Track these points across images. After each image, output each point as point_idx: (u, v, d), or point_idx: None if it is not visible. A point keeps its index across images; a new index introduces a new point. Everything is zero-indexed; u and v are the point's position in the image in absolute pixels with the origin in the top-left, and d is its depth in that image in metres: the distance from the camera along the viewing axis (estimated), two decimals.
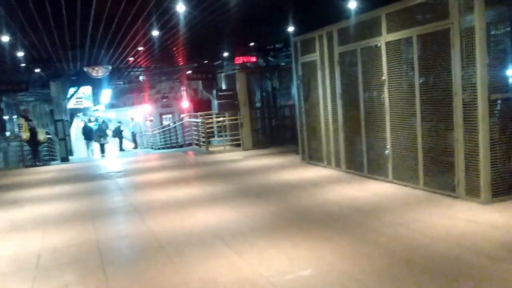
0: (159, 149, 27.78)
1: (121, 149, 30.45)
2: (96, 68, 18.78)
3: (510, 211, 6.25)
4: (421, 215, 6.50)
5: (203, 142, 17.32)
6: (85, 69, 18.79)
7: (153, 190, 10.48)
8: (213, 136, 19.07)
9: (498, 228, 5.68)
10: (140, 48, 16.46)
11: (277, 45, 17.20)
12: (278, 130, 17.27)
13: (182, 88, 33.84)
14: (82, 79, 23.52)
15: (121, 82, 28.74)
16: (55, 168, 16.27)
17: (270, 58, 18.07)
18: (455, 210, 6.52)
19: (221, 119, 17.30)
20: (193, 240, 6.23)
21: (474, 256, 4.89)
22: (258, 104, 17.24)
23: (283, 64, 17.93)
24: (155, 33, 13.76)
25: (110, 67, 19.41)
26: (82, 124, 32.63)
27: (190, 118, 21.28)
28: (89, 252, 6.08)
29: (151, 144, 31.77)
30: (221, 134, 18.27)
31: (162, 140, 29.26)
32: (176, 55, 18.57)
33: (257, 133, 16.96)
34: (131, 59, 18.63)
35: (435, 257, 4.98)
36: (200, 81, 24.64)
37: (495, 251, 4.96)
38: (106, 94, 32.62)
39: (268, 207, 7.77)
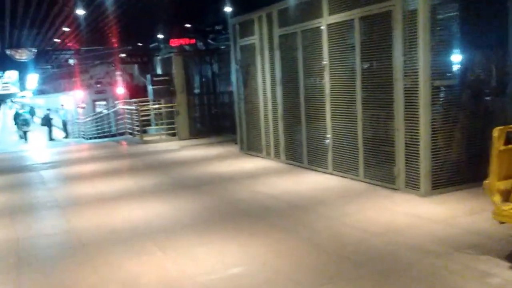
0: (90, 138, 26.84)
1: (51, 139, 29.33)
2: (19, 51, 17.74)
3: (448, 204, 6.28)
4: (358, 208, 6.44)
5: (138, 131, 16.76)
6: (7, 52, 17.70)
7: (80, 183, 10.04)
8: (150, 125, 18.51)
9: (435, 222, 5.67)
10: (67, 29, 15.64)
11: (217, 27, 16.80)
12: (217, 118, 16.96)
13: (117, 73, 32.79)
14: (6, 63, 22.32)
15: (49, 66, 27.51)
16: None
17: (210, 41, 17.67)
18: (393, 203, 6.50)
19: (156, 106, 16.77)
20: (118, 237, 6.00)
21: (409, 251, 4.86)
22: (196, 90, 16.85)
23: (223, 47, 17.58)
24: (82, 11, 13.07)
25: (35, 50, 18.40)
26: (11, 112, 31.75)
27: (124, 105, 20.55)
28: (5, 251, 5.80)
29: (82, 133, 30.66)
30: (158, 122, 17.75)
31: (95, 129, 28.27)
32: (107, 35, 17.83)
33: (195, 121, 16.59)
34: (58, 40, 17.71)
35: (369, 252, 4.94)
36: (136, 66, 23.91)
37: (430, 246, 4.95)
38: (33, 79, 31.15)
39: (201, 201, 7.57)
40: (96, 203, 7.89)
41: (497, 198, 4.53)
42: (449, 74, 6.68)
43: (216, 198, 7.71)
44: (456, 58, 6.67)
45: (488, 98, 6.94)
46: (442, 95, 6.64)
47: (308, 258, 4.89)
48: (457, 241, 5.02)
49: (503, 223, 4.54)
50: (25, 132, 27.66)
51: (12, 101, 64.77)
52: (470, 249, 4.78)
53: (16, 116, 30.62)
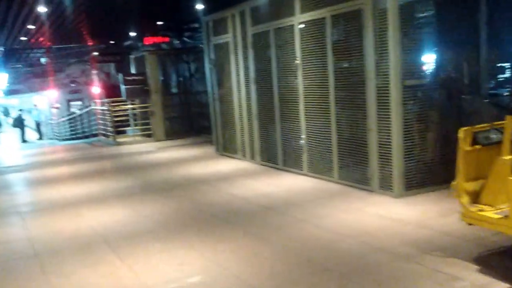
0: (64, 140, 26.56)
1: (24, 140, 28.97)
2: None
3: (421, 205, 6.31)
4: (331, 210, 6.45)
5: (111, 132, 16.60)
6: None
7: (45, 187, 9.91)
8: (126, 126, 18.33)
9: (407, 223, 5.70)
10: (36, 27, 15.46)
11: (194, 25, 16.74)
12: (194, 119, 16.87)
13: (93, 72, 32.51)
14: None
15: (20, 65, 27.13)
16: None
17: (186, 39, 17.59)
18: (366, 205, 6.52)
19: (130, 106, 16.62)
20: (77, 245, 5.92)
21: (379, 254, 4.87)
22: (172, 90, 16.75)
23: (201, 45, 17.51)
24: (52, 8, 12.91)
25: (1, 48, 18.05)
26: None
27: (99, 105, 20.33)
28: None
29: (57, 134, 30.32)
30: (133, 123, 17.62)
31: (69, 130, 27.99)
32: (80, 33, 17.64)
33: (172, 122, 16.49)
34: (25, 38, 17.48)
35: (338, 255, 4.95)
36: (114, 65, 23.76)
37: (400, 248, 4.96)
38: (3, 78, 30.56)
39: (170, 204, 7.53)
40: (59, 209, 7.81)
41: (465, 199, 4.57)
42: (421, 74, 6.73)
43: (186, 202, 7.67)
44: (428, 57, 6.72)
45: (461, 97, 7.00)
46: (414, 94, 6.67)
47: (274, 263, 4.87)
48: (427, 243, 5.04)
49: (471, 224, 4.58)
50: None
51: None
52: (439, 252, 4.81)
53: None
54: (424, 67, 6.80)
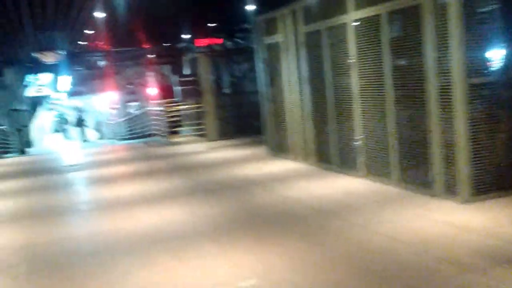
0: (122, 139, 27.11)
1: (84, 140, 29.86)
2: (45, 53, 17.85)
3: (490, 212, 5.84)
4: (390, 216, 6.09)
5: (166, 132, 16.78)
6: (33, 54, 17.93)
7: (102, 186, 10.10)
8: (181, 126, 18.49)
9: (473, 231, 5.27)
10: (96, 31, 15.82)
11: (245, 26, 16.65)
12: (247, 119, 16.71)
13: (149, 74, 33.04)
14: (40, 66, 22.73)
15: (81, 68, 28.01)
16: (5, 162, 15.88)
17: (239, 40, 17.53)
18: (428, 210, 6.10)
19: (184, 107, 16.75)
20: (132, 245, 5.94)
21: (444, 265, 4.51)
22: (225, 90, 16.70)
23: (253, 46, 17.38)
24: (103, 14, 13.09)
25: (62, 52, 18.55)
26: (49, 114, 33.19)
27: (155, 106, 20.62)
28: (20, 257, 5.85)
29: (116, 134, 31.04)
30: (187, 123, 17.73)
31: (126, 130, 28.55)
32: (136, 37, 17.93)
33: (225, 122, 16.43)
34: (86, 43, 17.91)
35: (399, 265, 4.63)
36: (169, 66, 24.07)
37: (466, 259, 4.58)
38: (66, 81, 31.69)
39: (222, 206, 7.41)
40: (114, 208, 7.92)
41: None
42: (488, 71, 6.23)
43: (239, 203, 7.53)
44: (497, 53, 6.22)
45: None
46: (481, 93, 6.17)
47: (330, 270, 4.63)
48: (496, 254, 4.63)
49: None
50: (64, 130, 28.38)
51: (53, 103, 66.27)
52: (509, 264, 4.38)
53: (58, 116, 31.83)
54: (493, 64, 6.28)
